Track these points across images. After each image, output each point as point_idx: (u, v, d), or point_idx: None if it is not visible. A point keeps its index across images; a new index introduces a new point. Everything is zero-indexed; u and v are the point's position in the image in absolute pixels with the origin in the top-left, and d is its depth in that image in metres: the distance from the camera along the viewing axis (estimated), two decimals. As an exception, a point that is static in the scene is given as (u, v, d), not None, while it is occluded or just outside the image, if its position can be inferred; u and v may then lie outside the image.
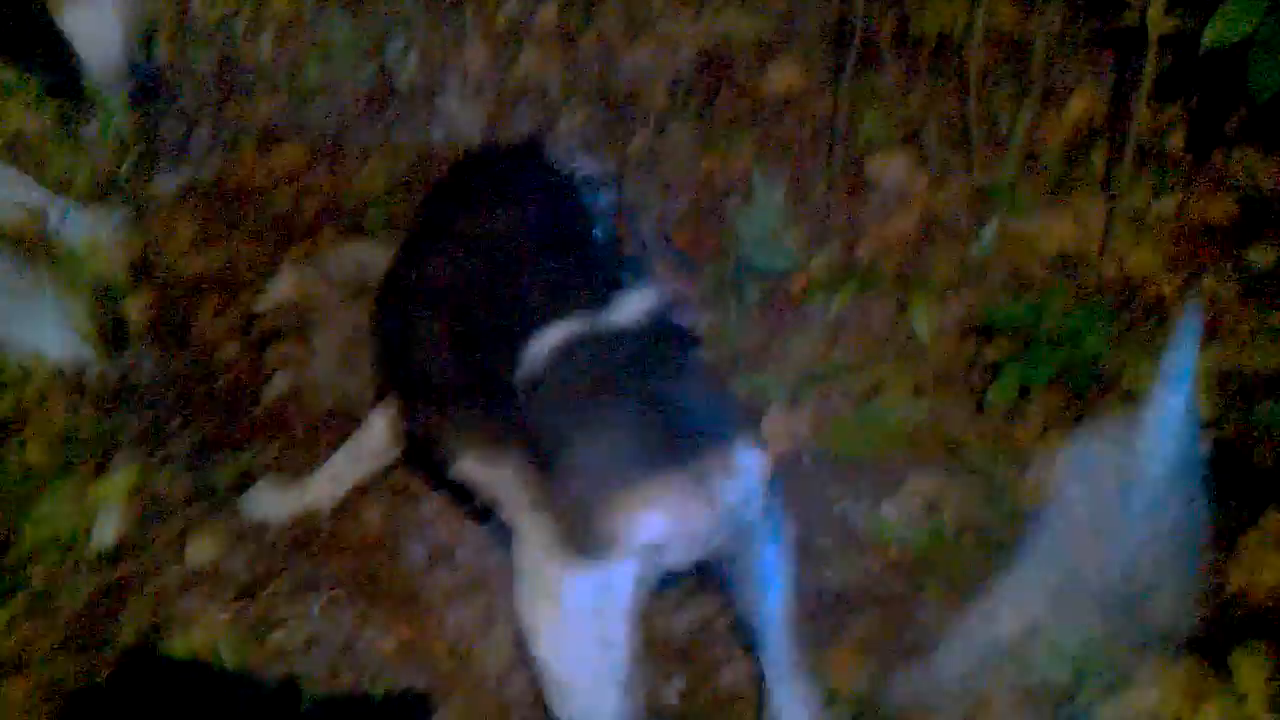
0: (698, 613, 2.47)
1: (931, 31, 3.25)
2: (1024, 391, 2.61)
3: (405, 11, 3.62)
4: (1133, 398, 2.60)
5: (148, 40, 3.28)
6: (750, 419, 2.03)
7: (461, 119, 3.52)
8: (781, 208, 3.03)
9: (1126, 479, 2.41)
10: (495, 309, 2.14)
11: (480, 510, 2.28)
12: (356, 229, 3.17)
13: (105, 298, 2.95)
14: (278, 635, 2.48)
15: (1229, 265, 2.80)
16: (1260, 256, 2.79)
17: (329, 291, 2.93)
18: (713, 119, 3.44)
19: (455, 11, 3.69)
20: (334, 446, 2.59)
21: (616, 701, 1.95)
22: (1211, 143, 2.91)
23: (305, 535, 2.60)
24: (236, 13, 3.67)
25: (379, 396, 2.47)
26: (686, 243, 3.12)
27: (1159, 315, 2.75)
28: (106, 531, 2.58)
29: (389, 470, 2.60)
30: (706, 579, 2.08)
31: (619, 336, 2.00)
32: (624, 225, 2.53)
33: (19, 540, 2.53)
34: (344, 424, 2.63)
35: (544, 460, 1.94)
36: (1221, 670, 2.24)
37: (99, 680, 2.38)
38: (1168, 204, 2.90)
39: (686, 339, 2.14)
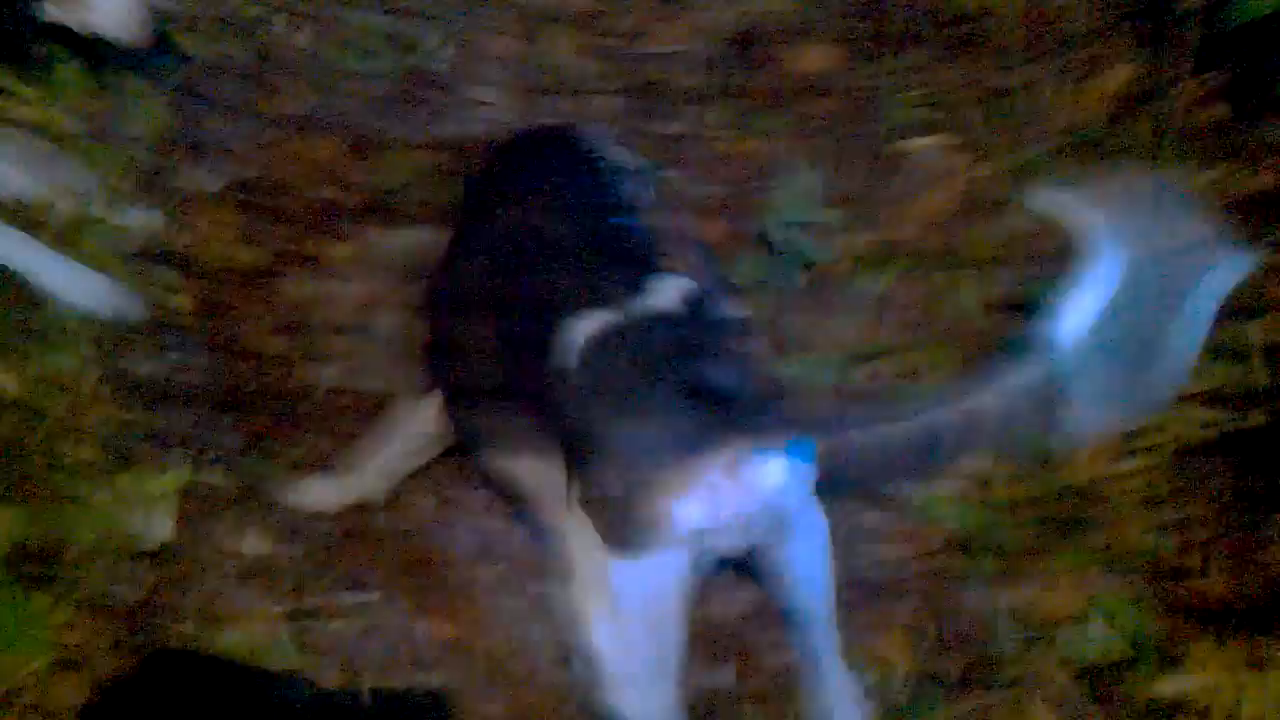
0: (749, 597, 2.48)
1: (969, 6, 3.24)
2: (1074, 366, 2.60)
3: (439, 1, 3.62)
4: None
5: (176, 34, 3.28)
6: (790, 405, 2.00)
7: (496, 107, 3.52)
8: (820, 189, 3.02)
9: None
10: (532, 300, 2.14)
11: (516, 499, 2.29)
12: (398, 219, 3.17)
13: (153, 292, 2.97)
14: (332, 628, 2.50)
15: (1275, 236, 2.77)
16: (1307, 226, 2.78)
17: (386, 277, 2.93)
18: (748, 101, 3.43)
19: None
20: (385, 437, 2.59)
21: (668, 689, 1.95)
22: (1255, 113, 2.88)
23: (358, 526, 2.61)
24: (276, 10, 3.67)
25: (428, 388, 2.47)
26: (722, 229, 3.12)
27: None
28: (160, 528, 2.60)
29: (440, 459, 2.60)
30: (753, 566, 2.06)
31: (655, 324, 1.99)
32: (658, 213, 2.53)
33: (74, 539, 2.55)
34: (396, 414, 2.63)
35: (583, 451, 1.94)
36: (1275, 645, 2.24)
37: (155, 676, 2.40)
38: (1213, 174, 2.88)
39: (724, 326, 2.13)
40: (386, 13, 3.66)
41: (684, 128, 3.40)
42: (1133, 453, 2.55)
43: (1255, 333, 2.55)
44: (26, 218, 2.94)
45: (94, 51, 2.98)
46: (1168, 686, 2.25)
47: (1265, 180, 2.86)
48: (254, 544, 2.60)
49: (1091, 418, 1.85)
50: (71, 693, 2.38)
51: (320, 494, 2.65)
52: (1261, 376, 2.52)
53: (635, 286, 2.04)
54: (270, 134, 3.38)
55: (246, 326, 2.95)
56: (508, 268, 2.24)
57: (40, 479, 2.61)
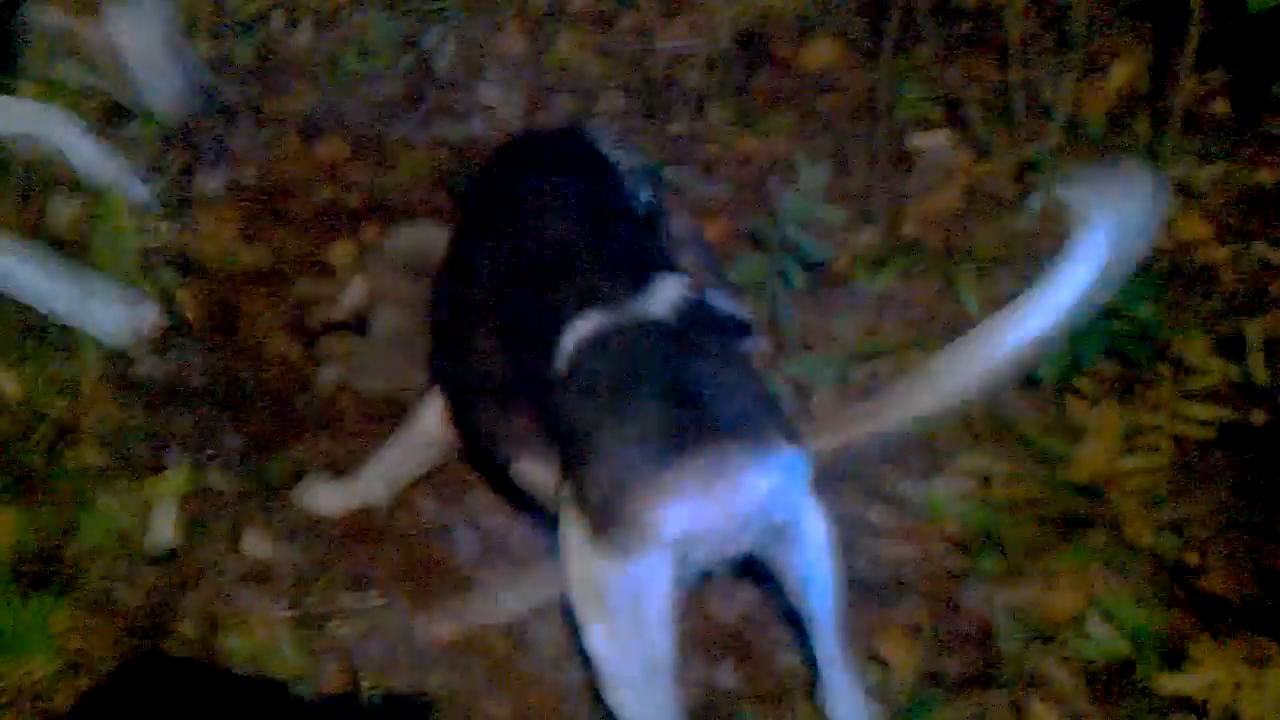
0: (751, 597, 2.47)
1: (971, 2, 3.23)
2: (1075, 365, 2.59)
3: (442, 0, 3.63)
4: (1186, 367, 2.58)
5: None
6: (786, 413, 1.99)
7: (500, 106, 3.52)
8: (822, 187, 3.02)
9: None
10: (534, 302, 2.13)
11: (529, 502, 2.28)
12: (401, 219, 3.17)
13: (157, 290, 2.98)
14: (334, 628, 2.50)
15: (1277, 232, 2.77)
16: (1310, 221, 2.77)
17: (388, 275, 2.93)
18: (752, 98, 3.43)
19: (491, -1, 3.70)
20: (388, 438, 2.59)
21: (663, 689, 1.95)
22: (1257, 108, 2.87)
23: (359, 528, 2.61)
24: (274, 6, 3.68)
25: (432, 389, 2.47)
26: (725, 227, 3.12)
27: (1209, 284, 2.73)
28: (162, 529, 2.60)
29: (443, 461, 2.60)
30: (757, 568, 2.06)
31: (647, 328, 1.98)
32: (660, 212, 2.53)
33: (76, 541, 2.55)
34: (398, 415, 2.62)
35: (572, 453, 1.94)
36: (1276, 643, 2.23)
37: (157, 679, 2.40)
38: (1215, 171, 2.87)
39: (724, 329, 2.12)
40: (389, 13, 3.67)
41: (687, 126, 3.40)
42: (1134, 451, 2.54)
43: (1256, 331, 2.55)
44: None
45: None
46: (1169, 685, 2.24)
47: (1266, 176, 2.85)
48: (256, 546, 2.60)
49: None
50: (73, 695, 2.38)
51: (325, 497, 2.65)
52: (1262, 374, 2.52)
53: (632, 288, 2.04)
54: (272, 134, 3.39)
55: (249, 327, 2.96)
56: (507, 268, 2.24)
57: (42, 481, 2.62)
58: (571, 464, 1.94)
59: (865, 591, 2.43)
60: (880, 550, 2.52)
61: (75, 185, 3.11)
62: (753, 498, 1.85)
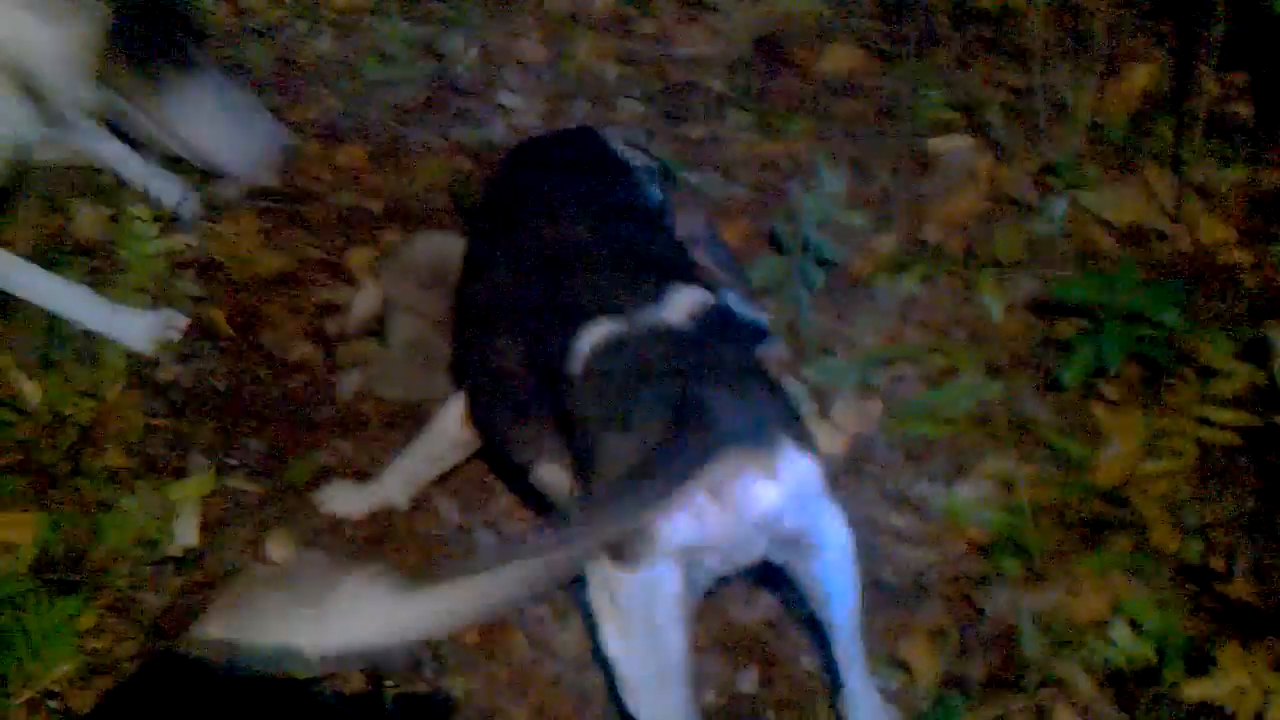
0: (772, 603, 2.47)
1: (990, 6, 3.23)
2: (1098, 369, 2.59)
3: (461, 6, 3.64)
4: (1210, 371, 2.57)
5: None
6: (800, 420, 1.97)
7: (520, 111, 3.53)
8: (843, 191, 3.02)
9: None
10: (552, 306, 2.13)
11: (548, 506, 2.28)
12: (421, 225, 3.18)
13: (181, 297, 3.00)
14: (357, 631, 2.50)
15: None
16: (1334, 225, 2.76)
17: (403, 285, 2.94)
18: (772, 103, 3.43)
19: (511, 5, 3.70)
20: (409, 442, 2.60)
21: (678, 694, 1.94)
22: (1277, 112, 2.86)
23: (381, 531, 2.62)
24: (295, 13, 3.70)
25: (453, 393, 2.47)
26: (745, 230, 3.11)
27: (1233, 287, 2.72)
28: (186, 533, 2.61)
29: (464, 464, 2.60)
30: (777, 574, 2.05)
31: (659, 337, 1.97)
32: (680, 216, 2.53)
33: (100, 544, 2.56)
34: (419, 419, 2.63)
35: (583, 459, 1.94)
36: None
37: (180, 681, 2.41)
38: (1237, 174, 2.86)
39: (739, 337, 2.11)
40: (409, 19, 3.68)
41: (707, 131, 3.40)
42: (1157, 455, 2.53)
43: (1278, 335, 2.53)
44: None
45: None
46: (1194, 691, 2.23)
47: (1288, 179, 2.84)
48: (277, 549, 2.60)
49: None
50: (98, 697, 2.39)
51: (347, 501, 2.65)
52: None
53: (647, 295, 2.03)
54: (293, 140, 3.40)
55: (270, 333, 2.97)
56: (526, 272, 2.24)
57: (66, 485, 2.63)
58: (582, 469, 1.94)
59: (887, 596, 2.43)
60: (902, 555, 2.51)
61: (99, 193, 3.13)
62: (762, 507, 1.84)
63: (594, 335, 1.98)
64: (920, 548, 2.52)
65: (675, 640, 1.90)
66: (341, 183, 3.34)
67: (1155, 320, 2.54)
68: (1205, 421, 2.55)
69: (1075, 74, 3.07)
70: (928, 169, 3.15)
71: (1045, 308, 2.77)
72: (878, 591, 2.38)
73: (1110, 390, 2.63)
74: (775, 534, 1.90)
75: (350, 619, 1.72)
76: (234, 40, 3.68)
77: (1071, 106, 3.04)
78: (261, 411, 2.83)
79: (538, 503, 2.41)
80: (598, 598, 1.93)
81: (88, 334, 2.83)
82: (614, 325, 1.98)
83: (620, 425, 1.87)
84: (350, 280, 3.07)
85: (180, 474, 2.69)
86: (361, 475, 2.68)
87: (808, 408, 2.69)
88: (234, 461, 2.74)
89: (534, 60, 3.65)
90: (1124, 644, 2.31)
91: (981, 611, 2.42)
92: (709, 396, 1.86)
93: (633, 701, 1.97)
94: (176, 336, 2.88)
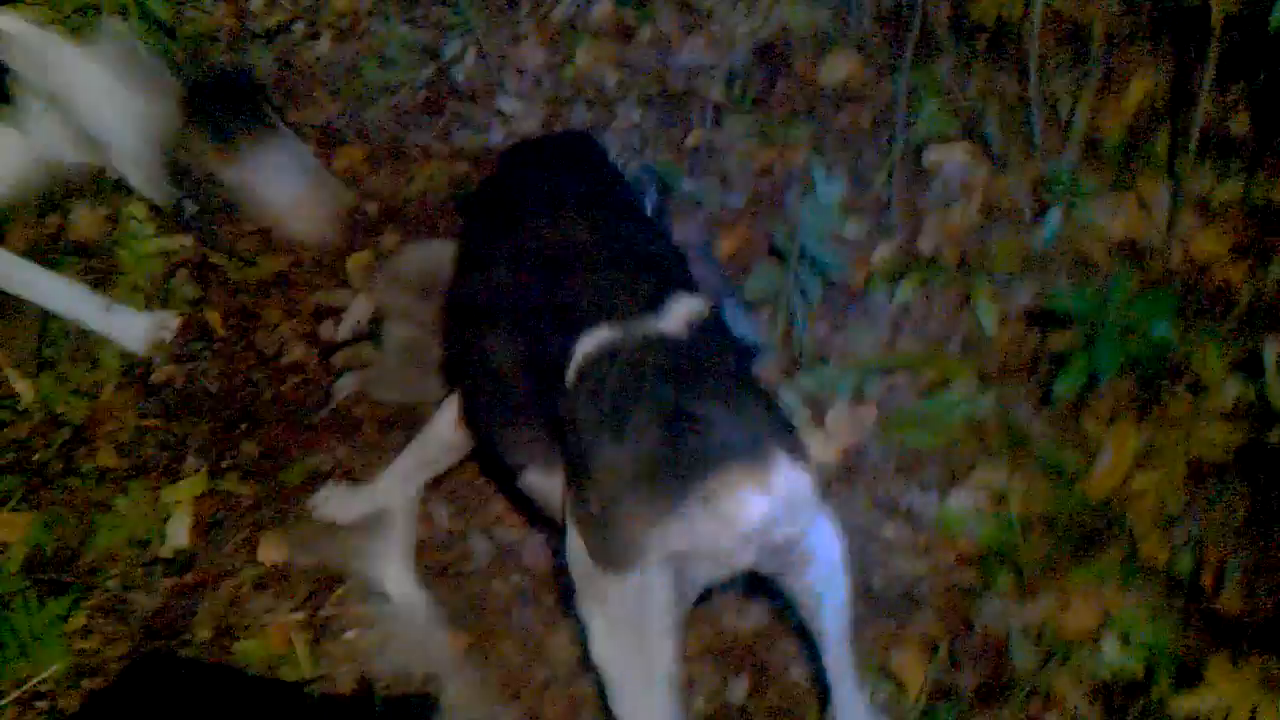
0: (765, 612, 2.47)
1: (989, 17, 3.22)
2: (1091, 381, 2.58)
3: (462, 11, 3.64)
4: (1202, 385, 2.57)
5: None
6: (792, 434, 1.96)
7: (519, 117, 3.53)
8: (840, 199, 3.01)
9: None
10: (543, 316, 2.13)
11: (540, 511, 2.29)
12: (418, 228, 3.18)
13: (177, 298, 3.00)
14: (345, 633, 2.51)
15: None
16: (1329, 241, 2.75)
17: (397, 290, 2.94)
18: (770, 111, 3.43)
19: (511, 10, 3.70)
20: (403, 446, 2.60)
21: (665, 701, 1.95)
22: (1277, 125, 2.86)
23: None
24: (295, 16, 3.70)
25: (446, 397, 2.48)
26: (742, 239, 3.12)
27: (1226, 301, 2.72)
28: (176, 535, 2.61)
29: (458, 469, 2.61)
30: (768, 583, 2.06)
31: (653, 347, 1.96)
32: (675, 224, 2.53)
33: (92, 544, 2.57)
34: (413, 423, 2.63)
35: (574, 467, 1.94)
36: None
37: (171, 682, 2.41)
38: (1232, 188, 2.86)
39: (729, 350, 2.09)
40: (408, 22, 3.68)
41: (705, 138, 3.40)
42: (1149, 469, 2.53)
43: (1273, 349, 2.53)
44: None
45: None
46: (1182, 704, 2.23)
47: (1286, 193, 2.84)
48: (270, 552, 2.61)
49: None
50: (87, 698, 2.39)
51: (341, 505, 2.65)
52: (1278, 394, 2.51)
53: (642, 305, 2.02)
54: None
55: (266, 336, 2.97)
56: (521, 277, 2.24)
57: (58, 485, 2.64)
58: (573, 476, 1.94)
59: (878, 606, 2.43)
60: (894, 565, 2.52)
61: (97, 193, 3.14)
62: (755, 517, 1.84)
63: (589, 343, 1.97)
64: (912, 558, 2.53)
65: (664, 647, 1.90)
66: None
67: (1148, 333, 2.53)
68: (1197, 437, 2.55)
69: (1073, 86, 3.07)
70: (925, 179, 3.14)
71: (1039, 319, 2.77)
72: (869, 601, 2.38)
73: (1103, 403, 2.63)
74: (767, 544, 1.89)
75: None
76: (235, 43, 3.69)
77: (1069, 118, 3.04)
78: (255, 413, 2.84)
79: (531, 509, 2.41)
80: (588, 603, 1.93)
81: (82, 334, 2.83)
82: (610, 333, 1.97)
83: (613, 434, 1.87)
84: (346, 283, 3.07)
85: (173, 475, 2.70)
86: (355, 478, 2.68)
87: (802, 416, 2.69)
88: (227, 463, 2.74)
89: (534, 66, 3.65)
90: (1113, 656, 2.32)
91: (972, 623, 2.42)
92: (703, 405, 1.86)
93: (621, 707, 1.97)
94: (169, 337, 2.88)
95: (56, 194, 3.14)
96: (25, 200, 2.97)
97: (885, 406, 2.73)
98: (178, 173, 2.66)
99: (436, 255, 2.88)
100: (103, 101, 2.52)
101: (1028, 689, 2.30)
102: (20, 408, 2.75)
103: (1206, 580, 2.37)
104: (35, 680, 2.38)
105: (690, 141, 3.39)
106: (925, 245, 3.02)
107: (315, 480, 2.70)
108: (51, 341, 2.84)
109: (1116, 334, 2.54)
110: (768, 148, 3.34)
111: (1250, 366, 2.55)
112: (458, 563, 2.62)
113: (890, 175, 3.12)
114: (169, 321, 2.91)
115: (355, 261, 3.11)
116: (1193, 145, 2.70)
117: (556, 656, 2.46)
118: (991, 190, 3.05)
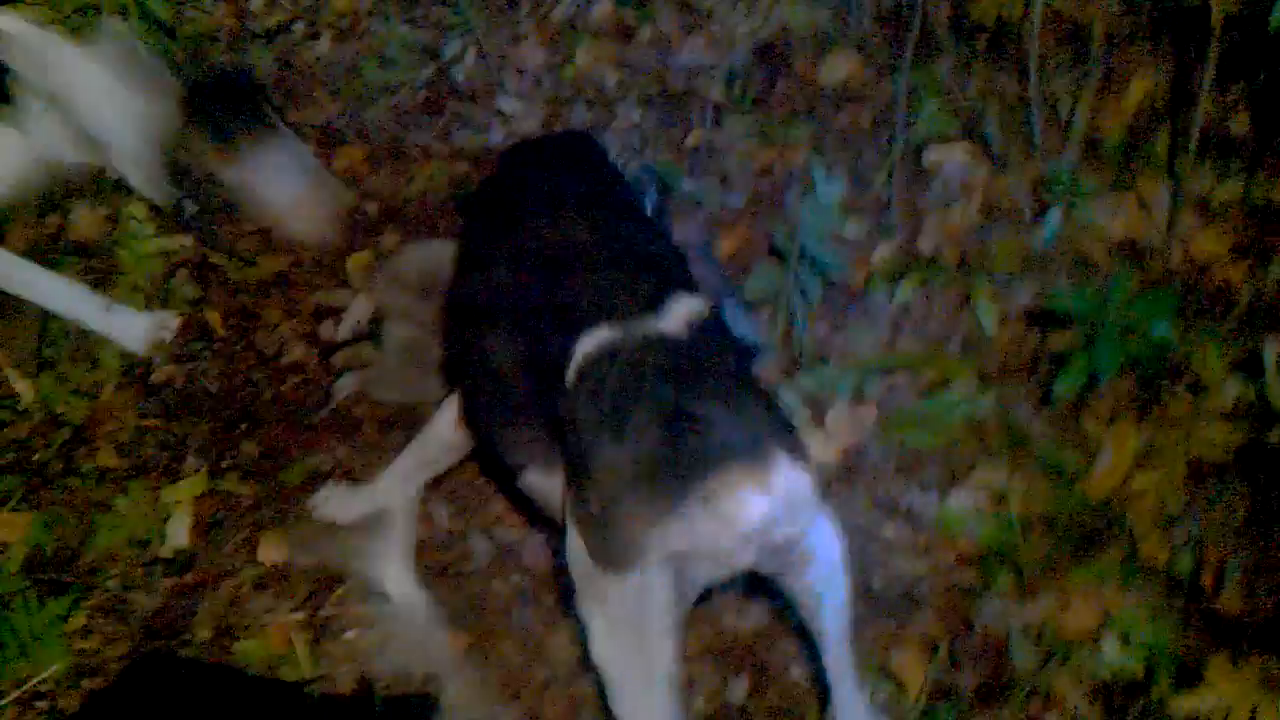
0: (766, 612, 2.47)
1: (989, 17, 3.22)
2: (1091, 381, 2.58)
3: (462, 11, 3.63)
4: (1202, 385, 2.57)
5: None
6: (792, 434, 1.96)
7: (519, 117, 3.53)
8: (840, 199, 3.01)
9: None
10: (543, 316, 2.13)
11: (539, 511, 2.29)
12: (418, 228, 3.18)
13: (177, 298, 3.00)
14: (346, 633, 2.51)
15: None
16: (1329, 241, 2.75)
17: (397, 290, 2.94)
18: (770, 111, 3.43)
19: (511, 10, 3.70)
20: (403, 446, 2.60)
21: (665, 701, 1.95)
22: (1277, 125, 2.86)
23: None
24: (295, 16, 3.70)
25: (446, 397, 2.47)
26: (742, 239, 3.12)
27: (1226, 301, 2.72)
28: (178, 534, 2.61)
29: (458, 469, 2.61)
30: (769, 583, 2.05)
31: (653, 347, 1.96)
32: (675, 224, 2.52)
33: (92, 543, 2.57)
34: (413, 423, 2.63)
35: (574, 467, 1.94)
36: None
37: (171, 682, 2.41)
38: (1232, 188, 2.85)
39: (729, 350, 2.09)
40: (408, 22, 3.68)
41: (705, 138, 3.40)
42: (1149, 469, 2.53)
43: (1273, 349, 2.53)
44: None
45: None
46: (1182, 704, 2.23)
47: (1286, 193, 2.84)
48: (270, 552, 2.60)
49: None
50: (87, 698, 2.39)
51: (341, 505, 2.65)
52: (1278, 394, 2.50)
53: (642, 305, 2.02)
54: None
55: (266, 336, 2.97)
56: (519, 278, 2.24)
57: (58, 485, 2.64)
58: (573, 476, 1.94)
59: (878, 606, 2.43)
60: (894, 565, 2.52)
61: (97, 193, 3.14)
62: (755, 518, 1.84)
63: (589, 343, 1.97)
64: (912, 558, 2.53)
65: (664, 647, 1.90)
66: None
67: (1148, 333, 2.53)
68: (1197, 437, 2.55)
69: (1073, 86, 3.07)
70: (924, 179, 3.14)
71: (1039, 319, 2.77)
72: (869, 601, 2.38)
73: (1103, 403, 2.62)
74: (767, 544, 1.89)
75: None
76: (235, 43, 3.69)
77: (1069, 118, 3.03)
78: (255, 413, 2.84)
79: (531, 509, 2.41)
80: (588, 603, 1.93)
81: (82, 334, 2.83)
82: (610, 333, 1.97)
83: (613, 434, 1.86)
84: (346, 283, 3.07)
85: (173, 475, 2.70)
86: (355, 478, 2.68)
87: (802, 416, 2.69)
88: (227, 463, 2.74)
89: (534, 66, 3.65)
90: (1113, 656, 2.32)
91: (972, 623, 2.42)
92: (703, 406, 1.86)
93: (621, 707, 1.97)
94: (169, 337, 2.89)
95: (56, 194, 3.14)
96: (25, 200, 2.97)
97: (885, 406, 2.73)
98: (178, 173, 2.67)
99: (436, 255, 2.88)
100: (103, 101, 2.53)
101: (1028, 689, 2.30)
102: (20, 408, 2.75)
103: (1206, 580, 2.37)
104: (35, 680, 2.38)
105: (690, 141, 3.38)
106: (925, 245, 3.02)
107: (315, 480, 2.70)
108: (51, 341, 2.84)
109: (1116, 334, 2.53)
110: (768, 148, 3.34)
111: (1250, 366, 2.55)
112: (458, 563, 2.62)
113: (890, 175, 3.11)
114: (169, 321, 2.91)
115: (355, 261, 3.11)
116: (1193, 145, 2.69)
117: (556, 656, 2.46)
118: (991, 190, 3.05)
